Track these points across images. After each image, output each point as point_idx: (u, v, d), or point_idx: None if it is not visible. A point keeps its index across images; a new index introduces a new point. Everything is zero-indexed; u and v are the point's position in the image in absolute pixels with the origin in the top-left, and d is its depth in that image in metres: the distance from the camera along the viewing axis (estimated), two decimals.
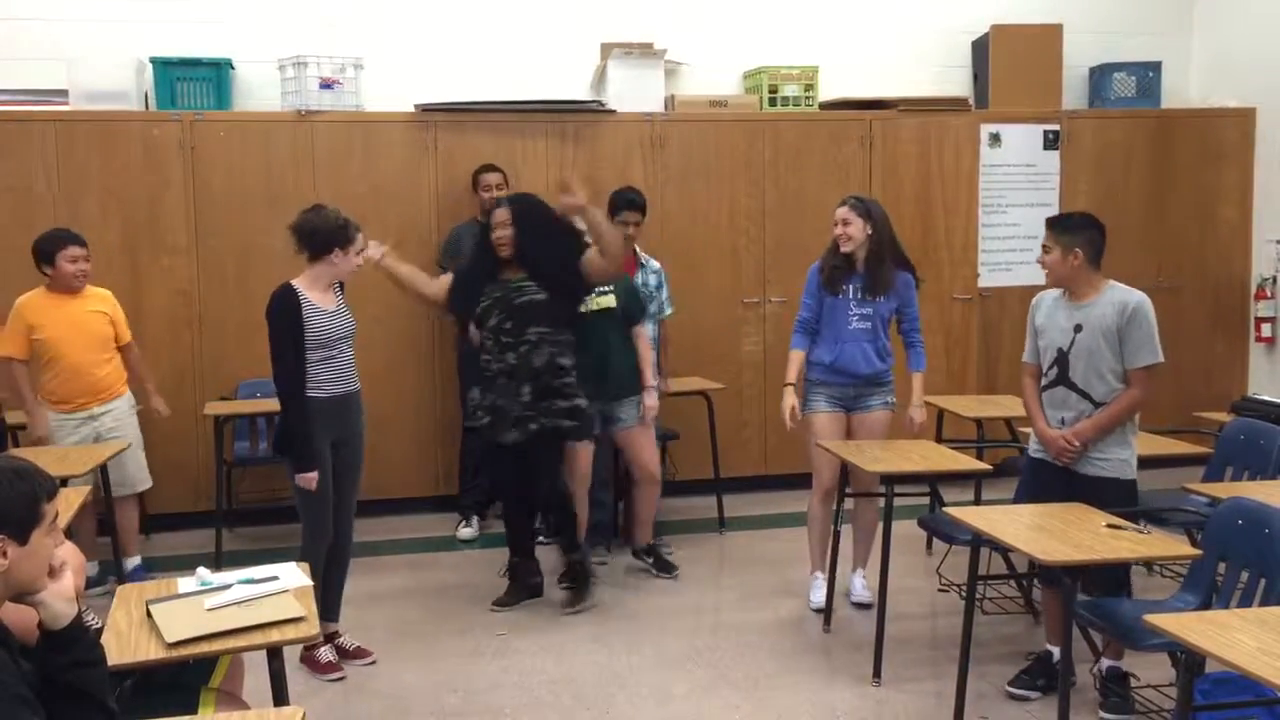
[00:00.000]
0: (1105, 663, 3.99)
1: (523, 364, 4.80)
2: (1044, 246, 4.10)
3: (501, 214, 4.95)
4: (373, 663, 4.48)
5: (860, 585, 5.07)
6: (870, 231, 4.82)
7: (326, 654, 4.42)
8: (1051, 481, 4.06)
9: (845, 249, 4.86)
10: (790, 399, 4.98)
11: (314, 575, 4.39)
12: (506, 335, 4.83)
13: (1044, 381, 4.15)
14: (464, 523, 6.20)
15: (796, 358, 5.01)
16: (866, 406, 4.94)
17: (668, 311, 5.82)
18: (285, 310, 4.22)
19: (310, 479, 4.24)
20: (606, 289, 5.22)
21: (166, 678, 2.90)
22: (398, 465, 6.34)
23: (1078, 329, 4.02)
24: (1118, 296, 3.98)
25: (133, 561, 5.31)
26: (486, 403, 4.88)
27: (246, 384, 6.08)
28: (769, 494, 5.68)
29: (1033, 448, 4.23)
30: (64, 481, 4.13)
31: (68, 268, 4.98)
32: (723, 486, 6.28)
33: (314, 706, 4.01)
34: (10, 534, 2.10)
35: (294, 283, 4.28)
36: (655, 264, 5.80)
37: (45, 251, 5.00)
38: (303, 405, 4.23)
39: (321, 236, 4.28)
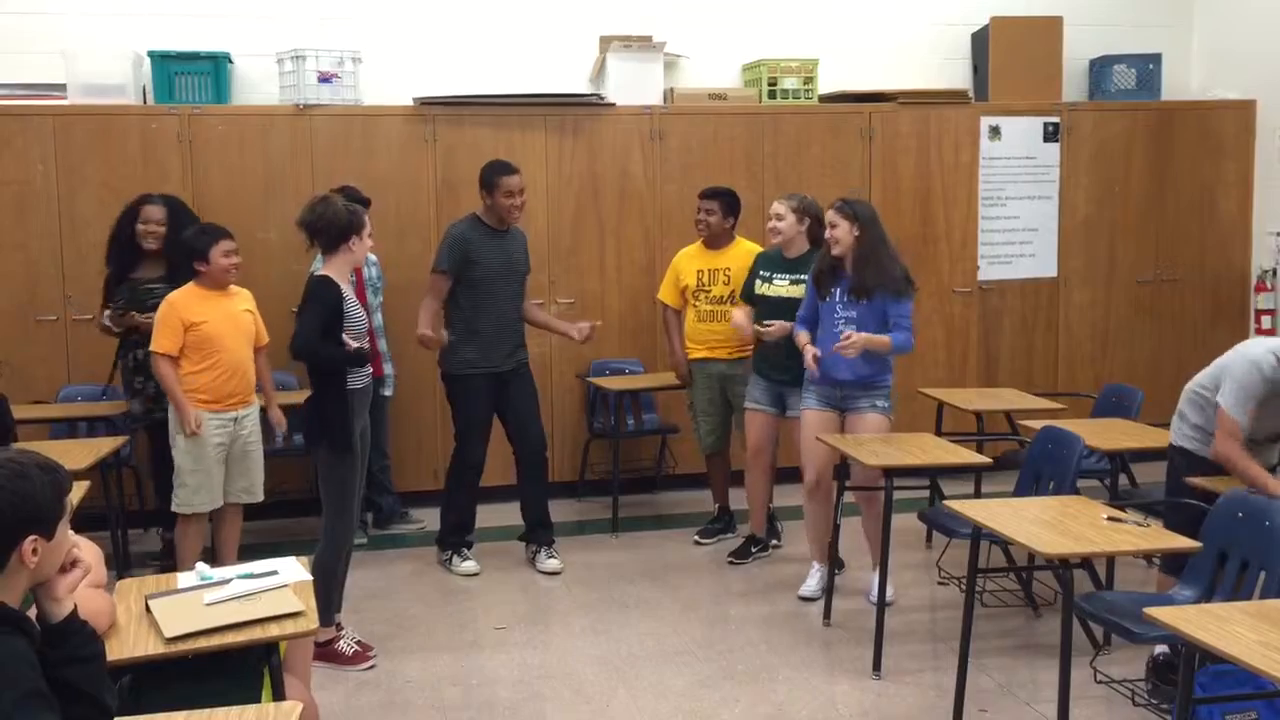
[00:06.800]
0: (1160, 649, 3.94)
1: None
2: None
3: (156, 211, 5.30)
4: (372, 667, 4.45)
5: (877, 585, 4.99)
6: (858, 233, 4.81)
7: (348, 645, 4.44)
8: None
9: (835, 252, 4.87)
10: (802, 339, 5.00)
11: (340, 575, 4.44)
12: None
13: (1256, 437, 4.10)
14: (456, 555, 5.56)
15: (803, 335, 5.02)
16: (855, 408, 4.92)
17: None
18: (332, 297, 4.26)
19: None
20: (801, 278, 5.15)
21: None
22: (395, 459, 6.33)
23: None
24: None
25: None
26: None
27: None
28: None
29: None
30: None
31: (222, 261, 4.77)
32: None
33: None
34: (41, 531, 2.11)
35: (330, 274, 4.32)
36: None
37: (198, 247, 4.79)
38: (344, 386, 4.29)
39: (337, 228, 4.31)
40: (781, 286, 5.29)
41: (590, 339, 5.74)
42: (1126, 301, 7.41)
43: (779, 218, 5.30)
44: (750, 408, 5.45)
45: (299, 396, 5.08)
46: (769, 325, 5.17)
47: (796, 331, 5.05)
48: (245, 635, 2.78)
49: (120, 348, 5.43)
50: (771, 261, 5.39)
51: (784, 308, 5.20)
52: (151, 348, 4.77)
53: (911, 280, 4.92)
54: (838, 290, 4.89)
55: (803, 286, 5.14)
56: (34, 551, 2.09)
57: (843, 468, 4.75)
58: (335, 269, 4.34)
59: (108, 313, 5.33)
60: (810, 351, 4.90)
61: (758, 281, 5.38)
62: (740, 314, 5.35)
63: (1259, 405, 3.99)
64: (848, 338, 4.69)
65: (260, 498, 5.04)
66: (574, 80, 6.96)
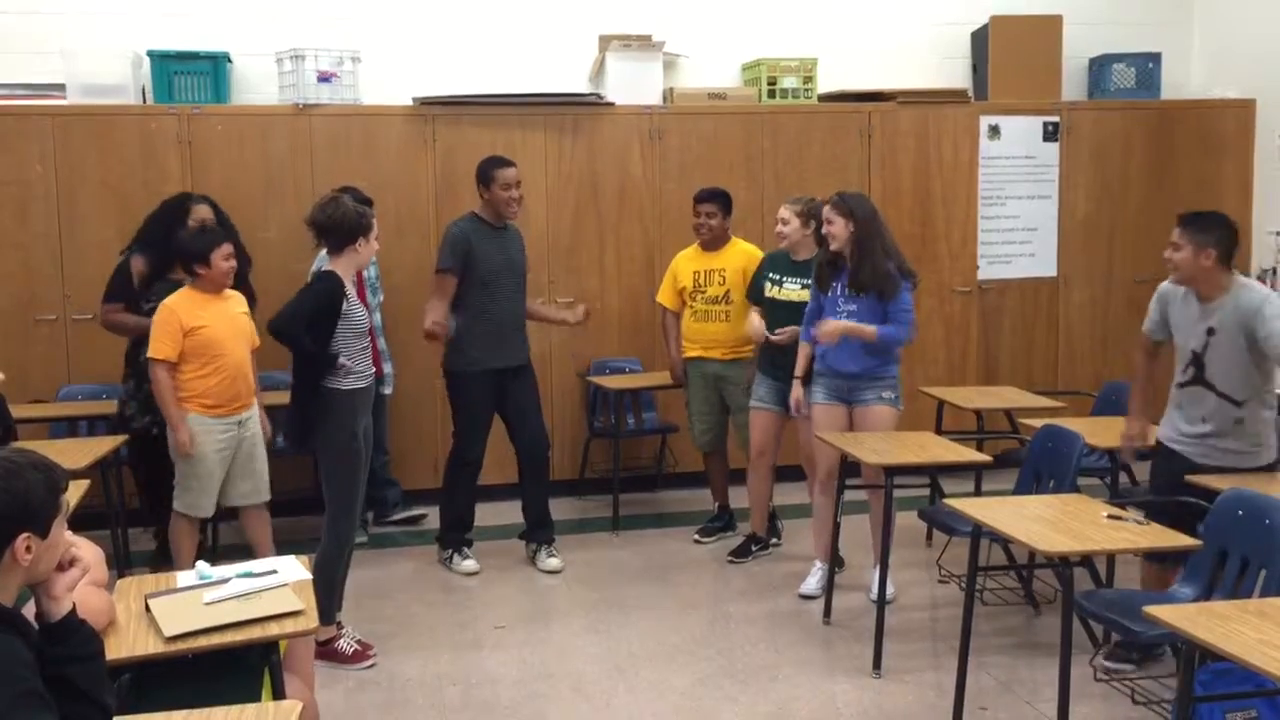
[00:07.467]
0: None
1: None
2: (1174, 244, 4.05)
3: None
4: (373, 666, 4.45)
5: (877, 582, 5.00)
6: (853, 229, 4.82)
7: (348, 644, 4.44)
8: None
9: (833, 247, 4.90)
10: (796, 391, 5.07)
11: (341, 574, 4.44)
12: None
13: (1180, 379, 4.19)
14: (457, 554, 5.58)
15: (804, 350, 5.07)
16: (862, 401, 4.93)
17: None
18: (333, 291, 4.26)
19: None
20: (808, 282, 5.17)
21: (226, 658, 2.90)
22: (396, 457, 6.33)
23: (1210, 332, 4.05)
24: (1244, 298, 3.98)
25: None
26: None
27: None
28: None
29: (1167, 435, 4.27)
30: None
31: (223, 265, 4.71)
32: None
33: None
34: (35, 529, 2.11)
35: (337, 272, 4.32)
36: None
37: (199, 250, 4.70)
38: (320, 388, 4.27)
39: (346, 229, 4.30)
40: (792, 290, 5.30)
41: (585, 321, 5.79)
42: (1126, 300, 7.40)
43: (784, 222, 5.33)
44: (755, 406, 5.44)
45: None
46: (780, 333, 5.18)
47: (801, 343, 5.07)
48: (245, 634, 2.78)
49: (133, 346, 5.39)
50: (780, 264, 5.39)
51: (794, 311, 5.20)
52: (150, 354, 4.67)
53: (909, 274, 4.92)
54: (838, 284, 4.92)
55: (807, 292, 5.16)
56: (27, 550, 2.09)
57: (850, 464, 4.75)
58: (340, 268, 4.34)
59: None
60: (795, 394, 5.08)
61: (767, 284, 5.39)
62: (756, 319, 5.34)
63: (1170, 326, 4.23)
64: (824, 324, 4.78)
65: (267, 497, 4.99)
66: (573, 80, 6.96)
